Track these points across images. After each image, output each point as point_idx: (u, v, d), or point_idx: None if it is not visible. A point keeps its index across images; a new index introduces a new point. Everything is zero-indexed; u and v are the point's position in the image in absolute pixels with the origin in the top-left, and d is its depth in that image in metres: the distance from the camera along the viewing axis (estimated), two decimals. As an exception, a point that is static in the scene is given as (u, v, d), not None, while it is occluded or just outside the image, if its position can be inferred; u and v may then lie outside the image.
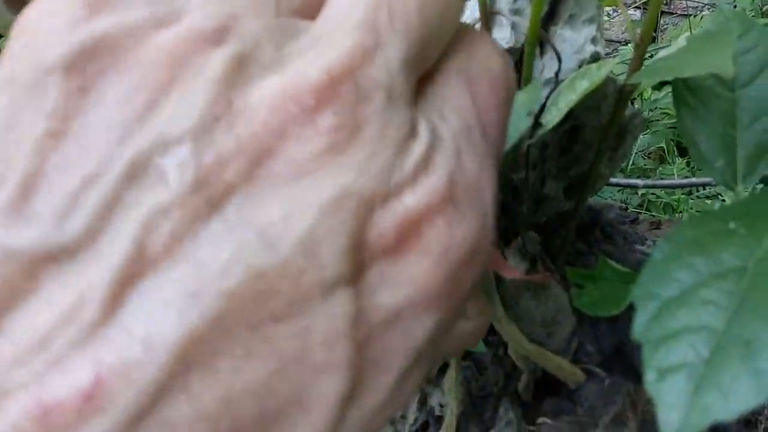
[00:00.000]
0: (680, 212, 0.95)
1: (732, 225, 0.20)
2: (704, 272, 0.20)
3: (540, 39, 0.33)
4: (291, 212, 0.11)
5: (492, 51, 0.15)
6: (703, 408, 0.17)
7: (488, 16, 0.30)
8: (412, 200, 0.12)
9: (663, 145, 1.26)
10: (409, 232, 0.12)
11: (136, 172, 0.10)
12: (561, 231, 0.43)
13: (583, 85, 0.31)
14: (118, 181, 0.10)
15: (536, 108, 0.31)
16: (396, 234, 0.12)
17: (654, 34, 1.57)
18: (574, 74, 0.32)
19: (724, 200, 0.94)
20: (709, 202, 0.97)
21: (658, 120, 1.32)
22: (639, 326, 0.20)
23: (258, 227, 0.10)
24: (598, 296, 0.37)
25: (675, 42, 0.36)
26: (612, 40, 1.58)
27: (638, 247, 0.49)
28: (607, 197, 0.88)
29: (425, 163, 0.12)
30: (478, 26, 0.32)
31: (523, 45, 0.36)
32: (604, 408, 0.40)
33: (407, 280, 0.12)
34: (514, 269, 0.29)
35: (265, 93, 0.11)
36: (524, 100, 0.26)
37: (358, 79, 0.11)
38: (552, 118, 0.32)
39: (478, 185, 0.13)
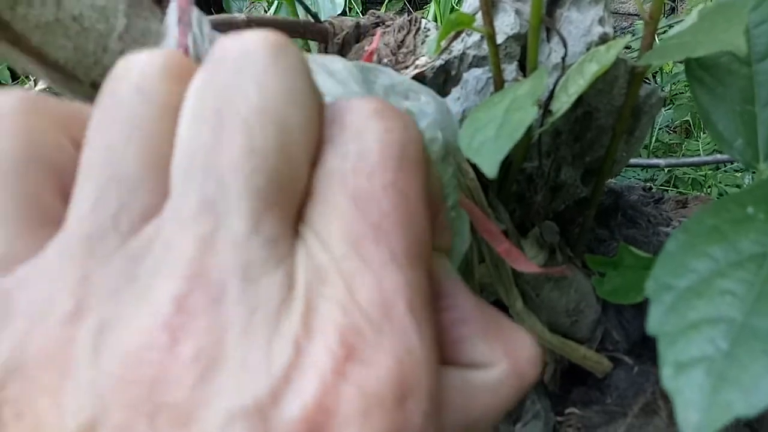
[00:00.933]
0: (708, 187, 0.93)
1: (750, 210, 0.19)
2: (721, 261, 0.19)
3: (545, 23, 0.32)
4: None
5: (366, 121, 0.13)
6: (723, 404, 0.16)
7: (490, 3, 0.30)
8: (305, 385, 0.10)
9: (688, 118, 1.22)
10: (318, 415, 0.10)
11: None
12: (580, 218, 0.42)
13: (593, 69, 0.30)
14: None
15: (544, 96, 0.30)
16: (305, 424, 0.10)
17: (673, 4, 1.52)
18: (582, 58, 0.31)
19: (754, 172, 0.91)
20: (738, 175, 0.94)
21: (682, 93, 1.28)
22: (654, 319, 0.20)
23: None
24: (621, 284, 0.36)
25: (689, 15, 0.34)
26: (630, 14, 1.53)
27: (663, 229, 0.48)
28: (631, 177, 0.86)
29: (306, 330, 0.11)
30: (478, 15, 0.31)
31: (527, 31, 0.35)
32: (634, 397, 0.39)
33: None
34: (530, 263, 0.29)
35: (120, 352, 0.11)
36: (529, 89, 0.25)
37: (206, 276, 0.11)
38: (562, 105, 0.31)
39: (383, 309, 0.11)
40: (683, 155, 1.04)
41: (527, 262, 0.30)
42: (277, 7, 0.72)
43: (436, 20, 0.79)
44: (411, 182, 0.13)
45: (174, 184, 0.12)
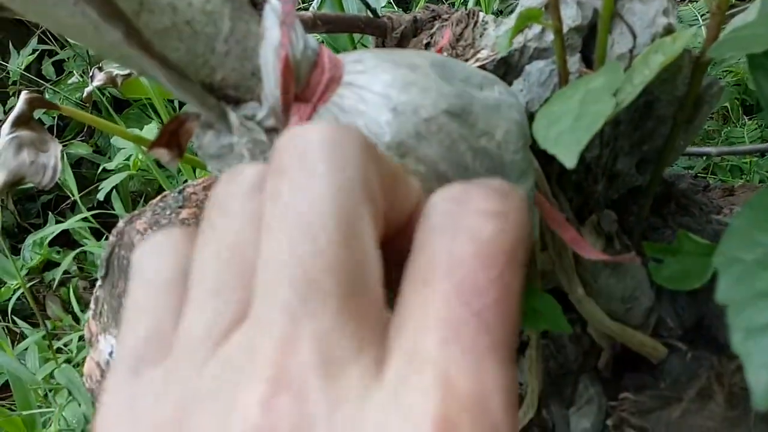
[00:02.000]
0: (751, 174, 0.91)
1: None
2: (796, 240, 0.20)
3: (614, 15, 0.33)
4: None
5: (484, 221, 0.13)
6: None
7: (557, -2, 0.30)
8: None
9: (727, 104, 1.20)
10: None
11: None
12: (635, 207, 0.43)
13: (659, 60, 0.30)
14: None
15: (616, 93, 0.31)
16: None
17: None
18: (648, 49, 0.31)
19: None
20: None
21: (721, 78, 1.26)
22: (723, 289, 0.20)
23: None
24: (679, 270, 0.36)
25: (753, 5, 0.34)
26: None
27: (714, 216, 0.48)
28: (673, 164, 0.85)
29: (398, 419, 0.11)
30: (543, 7, 0.32)
31: (590, 23, 0.36)
32: (689, 382, 0.40)
33: None
34: (597, 251, 0.30)
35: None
36: (604, 82, 0.26)
37: (289, 377, 0.11)
38: (627, 95, 0.31)
39: (481, 403, 0.11)
40: (724, 142, 1.03)
41: (593, 249, 0.30)
42: (321, 2, 0.73)
43: (479, 6, 0.79)
44: (516, 278, 0.13)
45: (255, 290, 0.13)
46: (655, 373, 0.42)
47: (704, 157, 1.01)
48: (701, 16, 1.04)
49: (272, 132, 0.24)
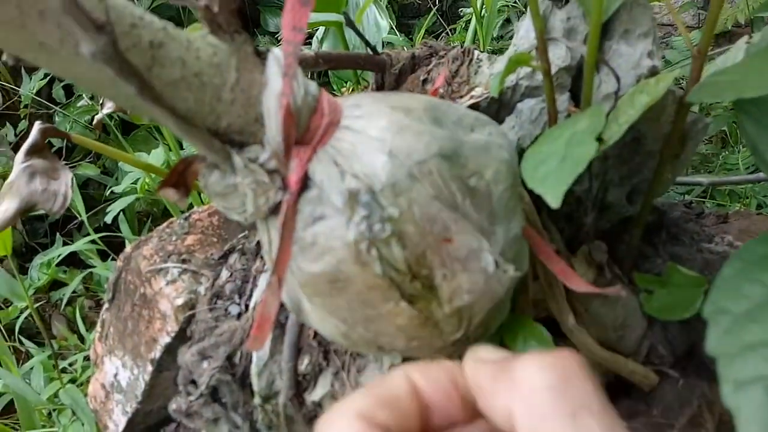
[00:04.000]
0: (747, 199, 0.93)
1: (800, 241, 0.21)
2: (774, 288, 0.21)
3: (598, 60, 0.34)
4: None
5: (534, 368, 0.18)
6: (781, 419, 0.18)
7: (545, 42, 0.32)
8: None
9: (725, 128, 1.22)
10: None
11: None
12: (626, 236, 0.44)
13: (643, 101, 0.32)
14: None
15: (603, 131, 0.32)
16: None
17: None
18: (633, 89, 0.33)
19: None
20: (779, 187, 0.93)
21: (719, 103, 1.27)
22: (713, 341, 0.22)
23: None
24: (669, 301, 0.38)
25: (733, 47, 0.36)
26: (664, 24, 1.53)
27: (705, 245, 0.49)
28: (670, 190, 0.86)
29: None
30: (534, 52, 0.33)
31: (578, 63, 0.38)
32: (680, 409, 0.41)
33: None
34: (585, 283, 0.31)
35: None
36: (589, 125, 0.28)
37: None
38: (613, 134, 0.33)
39: None
40: (720, 167, 1.04)
41: (582, 281, 0.32)
42: (324, 33, 0.76)
43: (474, 39, 0.82)
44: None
45: None
46: (647, 400, 0.43)
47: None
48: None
49: (274, 173, 0.25)
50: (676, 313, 0.37)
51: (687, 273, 0.37)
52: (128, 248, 0.51)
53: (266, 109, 0.25)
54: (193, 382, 0.42)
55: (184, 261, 0.48)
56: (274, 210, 0.26)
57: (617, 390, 0.45)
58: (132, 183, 0.83)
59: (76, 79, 0.22)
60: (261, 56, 0.26)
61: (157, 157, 0.79)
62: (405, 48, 0.45)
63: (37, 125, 0.50)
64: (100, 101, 0.72)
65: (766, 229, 0.56)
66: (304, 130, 0.25)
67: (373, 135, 0.26)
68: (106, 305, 0.56)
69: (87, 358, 0.91)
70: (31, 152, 0.51)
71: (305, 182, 0.26)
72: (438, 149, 0.26)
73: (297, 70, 0.25)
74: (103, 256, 1.08)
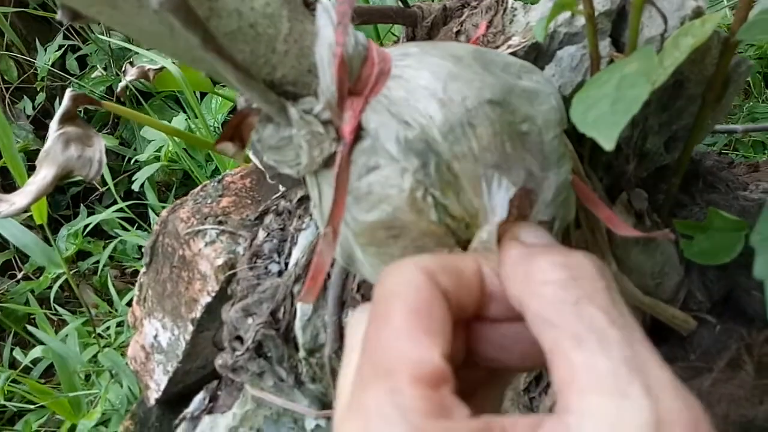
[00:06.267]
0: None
1: None
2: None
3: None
4: None
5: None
6: None
7: (589, -15, 0.31)
8: None
9: (749, 79, 1.19)
10: None
11: None
12: (663, 185, 0.44)
13: (688, 42, 0.31)
14: None
15: (660, 74, 0.32)
16: None
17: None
18: (677, 32, 0.32)
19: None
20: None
21: (742, 52, 1.25)
22: (760, 266, 0.22)
23: None
24: (710, 246, 0.38)
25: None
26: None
27: (741, 193, 0.49)
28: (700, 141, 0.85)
29: None
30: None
31: (618, 7, 0.37)
32: (718, 353, 0.41)
33: None
34: (631, 228, 0.31)
35: None
36: (639, 67, 0.27)
37: None
38: (658, 77, 0.32)
39: None
40: (745, 117, 1.02)
41: (627, 227, 0.32)
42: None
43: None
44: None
45: None
46: (684, 345, 0.44)
47: (726, 134, 1.01)
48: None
49: (328, 124, 0.26)
50: (717, 257, 0.37)
51: (728, 217, 0.37)
52: (164, 212, 0.52)
53: (319, 59, 0.25)
54: (239, 338, 0.43)
55: (220, 223, 0.49)
56: (327, 162, 0.27)
57: (654, 336, 0.45)
58: (155, 151, 0.83)
59: (137, 32, 0.22)
60: (309, 6, 0.25)
61: (178, 124, 0.79)
62: (435, 0, 0.44)
63: (69, 93, 0.50)
64: (123, 69, 0.72)
65: (800, 174, 0.56)
66: (356, 80, 0.25)
67: (425, 83, 0.26)
68: (143, 269, 0.58)
69: (119, 324, 0.93)
70: (64, 120, 0.51)
71: (358, 132, 0.26)
72: (490, 95, 0.26)
73: (349, 19, 0.25)
74: (125, 226, 1.09)
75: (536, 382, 0.43)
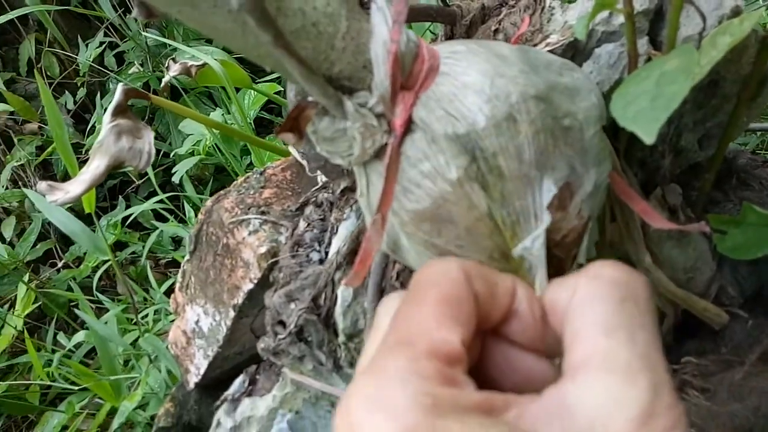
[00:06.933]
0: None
1: None
2: None
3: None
4: None
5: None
6: None
7: (629, -15, 0.32)
8: None
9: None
10: None
11: None
12: (696, 181, 0.45)
13: (726, 41, 0.32)
14: None
15: (698, 72, 0.33)
16: None
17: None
18: (715, 30, 0.33)
19: None
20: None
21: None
22: None
23: None
24: (743, 241, 0.38)
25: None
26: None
27: (775, 190, 0.49)
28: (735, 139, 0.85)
29: None
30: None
31: (656, 6, 0.38)
32: (750, 347, 0.42)
33: None
34: (667, 221, 0.32)
35: None
36: (679, 64, 0.28)
37: None
38: (695, 75, 0.33)
39: None
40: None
41: (663, 219, 0.33)
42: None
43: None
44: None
45: None
46: (715, 339, 0.45)
47: (758, 134, 1.00)
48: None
49: (380, 117, 0.27)
50: (750, 252, 0.38)
51: (762, 212, 0.38)
52: (208, 202, 0.54)
53: (374, 55, 0.26)
54: (281, 323, 0.45)
55: (263, 213, 0.51)
56: (378, 153, 0.28)
57: (685, 330, 0.46)
58: (193, 145, 0.86)
59: (211, 29, 0.24)
60: (364, 6, 0.27)
61: (217, 118, 0.82)
62: (474, -1, 0.46)
63: (121, 86, 0.53)
64: (166, 65, 0.75)
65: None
66: (407, 76, 0.27)
67: (472, 80, 0.27)
68: (186, 257, 0.60)
69: (156, 312, 0.97)
70: (117, 113, 0.54)
71: (409, 125, 0.27)
72: (534, 92, 0.27)
73: (404, 18, 0.26)
74: (161, 218, 1.13)
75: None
